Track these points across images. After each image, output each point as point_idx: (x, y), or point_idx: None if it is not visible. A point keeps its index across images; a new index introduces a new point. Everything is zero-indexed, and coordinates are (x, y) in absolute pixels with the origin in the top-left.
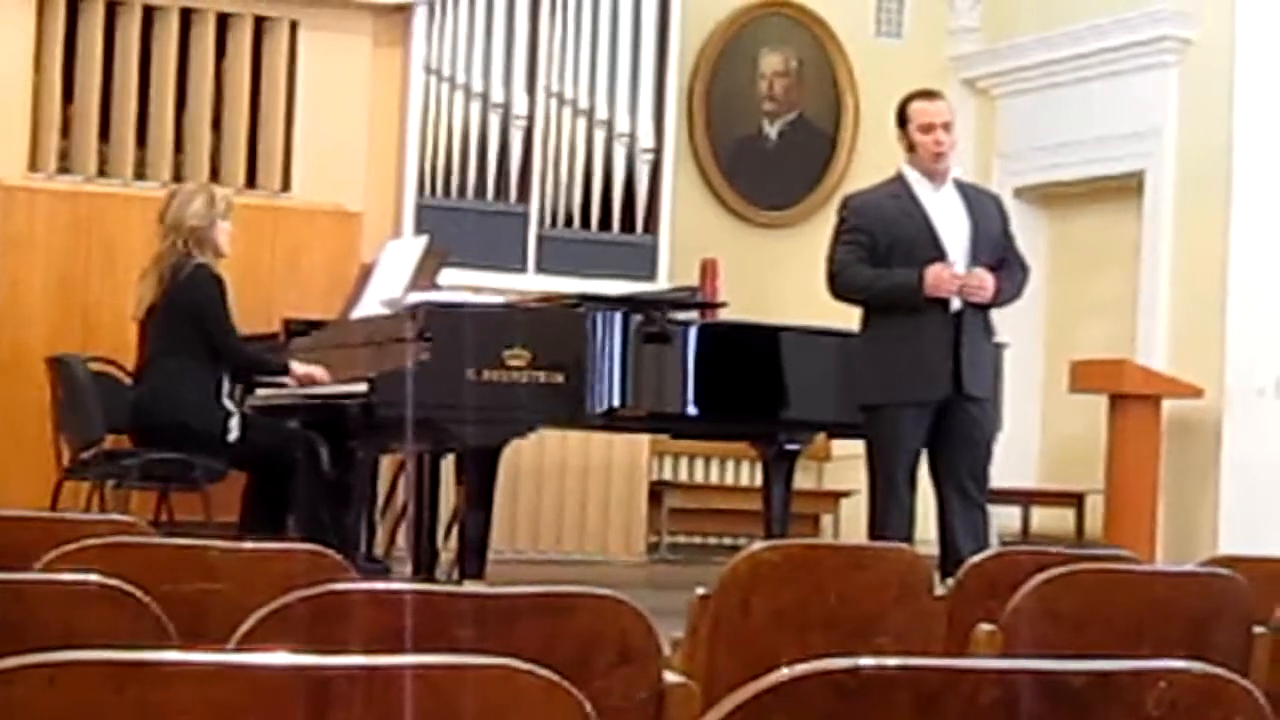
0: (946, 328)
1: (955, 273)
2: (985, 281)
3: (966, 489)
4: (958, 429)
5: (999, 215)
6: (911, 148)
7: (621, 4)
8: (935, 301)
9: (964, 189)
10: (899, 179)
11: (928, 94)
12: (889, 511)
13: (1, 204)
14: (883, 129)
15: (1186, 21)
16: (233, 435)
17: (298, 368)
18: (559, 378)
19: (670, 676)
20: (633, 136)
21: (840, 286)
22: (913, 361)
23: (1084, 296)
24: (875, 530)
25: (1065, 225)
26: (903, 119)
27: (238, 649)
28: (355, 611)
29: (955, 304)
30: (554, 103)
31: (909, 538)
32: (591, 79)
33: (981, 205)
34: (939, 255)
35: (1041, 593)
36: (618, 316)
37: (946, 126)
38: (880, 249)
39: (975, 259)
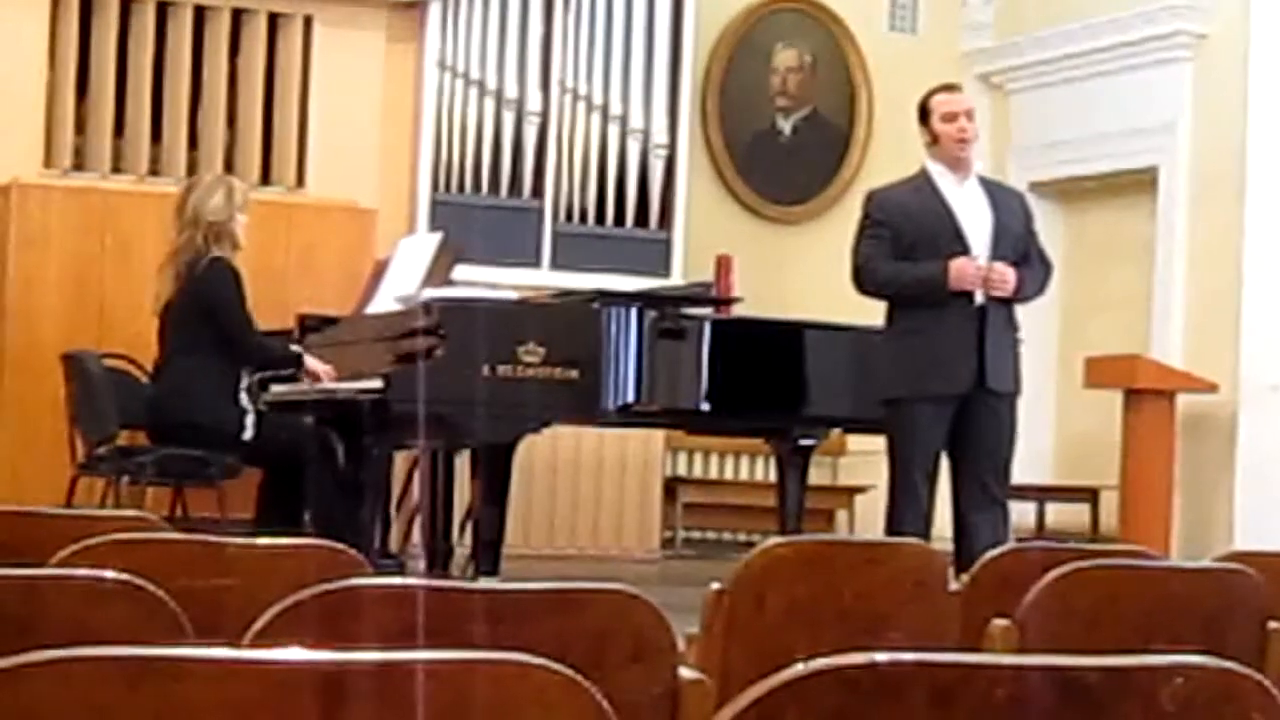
0: (970, 321)
1: (979, 265)
2: (1008, 275)
3: (987, 485)
4: (980, 425)
5: (1022, 212)
6: (934, 141)
7: (635, 0)
8: (959, 295)
9: (987, 184)
10: (922, 174)
11: (948, 86)
12: (905, 508)
13: (16, 201)
14: (897, 123)
15: (1201, 16)
16: (248, 434)
17: (310, 362)
18: (573, 374)
19: (685, 672)
20: (647, 132)
21: (865, 281)
22: (934, 355)
23: (1098, 292)
24: (891, 526)
25: (1079, 220)
26: (924, 113)
27: (252, 645)
28: (369, 608)
29: (979, 298)
30: (568, 99)
31: (925, 535)
32: (605, 75)
33: (1004, 200)
34: (962, 249)
35: (1056, 588)
36: (632, 312)
37: (969, 115)
38: (904, 243)
39: (997, 253)
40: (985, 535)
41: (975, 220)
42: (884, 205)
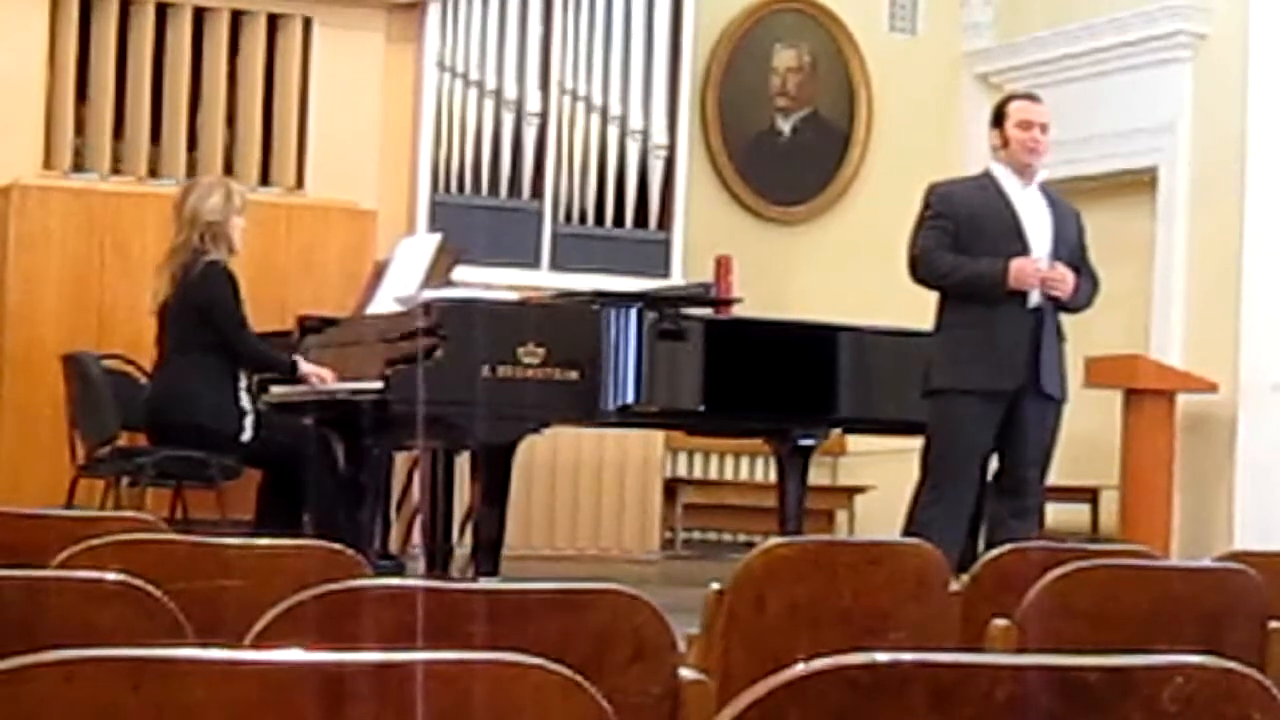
0: (1023, 322)
1: (1040, 266)
2: (1067, 276)
3: (1025, 487)
4: (1027, 426)
5: (1077, 225)
6: (1004, 144)
7: (635, 0)
8: (1013, 294)
9: (1047, 192)
10: (986, 174)
11: (1029, 95)
12: (938, 512)
13: (16, 202)
14: (897, 124)
15: (1200, 16)
16: (246, 435)
17: (305, 367)
18: (573, 375)
19: (685, 673)
20: (646, 133)
21: (921, 271)
22: (986, 350)
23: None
24: (913, 528)
25: (1086, 225)
26: (999, 116)
27: (253, 646)
28: (370, 608)
29: (1034, 299)
30: (567, 99)
31: (958, 542)
32: (605, 75)
33: (1063, 210)
34: (1021, 249)
35: (1056, 588)
36: (632, 313)
37: (1044, 128)
38: (962, 237)
39: (1056, 257)
40: (1024, 527)
41: (1036, 223)
42: (947, 198)
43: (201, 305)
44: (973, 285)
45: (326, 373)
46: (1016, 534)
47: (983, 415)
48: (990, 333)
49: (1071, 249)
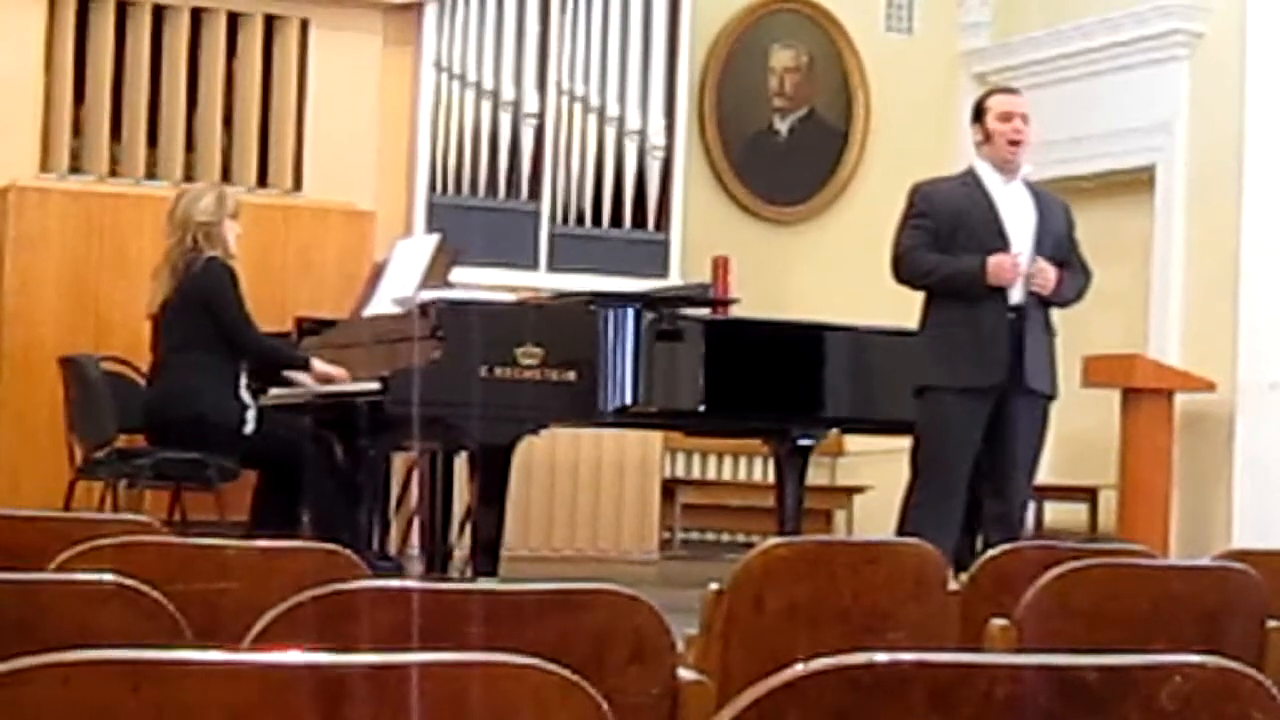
0: (1005, 318)
1: (1018, 262)
2: (1049, 272)
3: (1010, 483)
4: (1014, 423)
5: (1065, 219)
6: (986, 139)
7: (632, 1)
8: (994, 291)
9: (1033, 188)
10: (969, 171)
11: (1007, 89)
12: (930, 507)
13: (13, 204)
14: (894, 124)
15: (1197, 15)
16: (249, 428)
17: (319, 366)
18: (571, 375)
19: (684, 673)
20: (644, 133)
21: (904, 271)
22: (971, 347)
23: (1096, 291)
24: (905, 527)
25: (1077, 219)
26: (979, 112)
27: (251, 648)
28: (368, 610)
29: (1015, 297)
30: (565, 100)
31: (950, 539)
32: (602, 76)
33: (1049, 205)
34: (1003, 245)
35: (1055, 587)
36: (630, 314)
37: (1024, 119)
38: (944, 235)
39: (1039, 253)
40: (1004, 532)
41: (1019, 219)
42: (929, 197)
43: (203, 301)
44: (953, 283)
45: (338, 371)
46: (1002, 526)
47: (972, 412)
48: (973, 330)
49: (1059, 242)
